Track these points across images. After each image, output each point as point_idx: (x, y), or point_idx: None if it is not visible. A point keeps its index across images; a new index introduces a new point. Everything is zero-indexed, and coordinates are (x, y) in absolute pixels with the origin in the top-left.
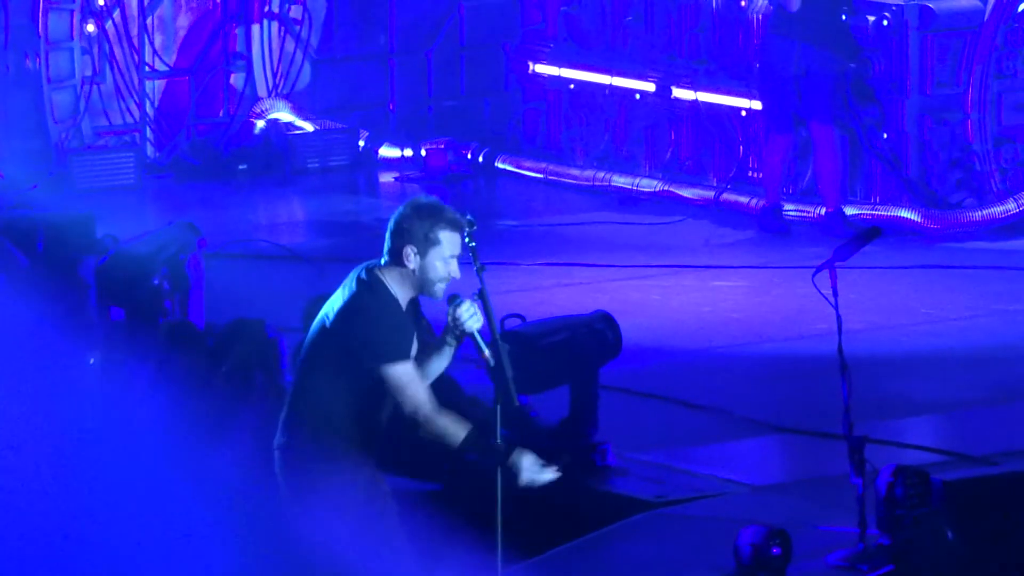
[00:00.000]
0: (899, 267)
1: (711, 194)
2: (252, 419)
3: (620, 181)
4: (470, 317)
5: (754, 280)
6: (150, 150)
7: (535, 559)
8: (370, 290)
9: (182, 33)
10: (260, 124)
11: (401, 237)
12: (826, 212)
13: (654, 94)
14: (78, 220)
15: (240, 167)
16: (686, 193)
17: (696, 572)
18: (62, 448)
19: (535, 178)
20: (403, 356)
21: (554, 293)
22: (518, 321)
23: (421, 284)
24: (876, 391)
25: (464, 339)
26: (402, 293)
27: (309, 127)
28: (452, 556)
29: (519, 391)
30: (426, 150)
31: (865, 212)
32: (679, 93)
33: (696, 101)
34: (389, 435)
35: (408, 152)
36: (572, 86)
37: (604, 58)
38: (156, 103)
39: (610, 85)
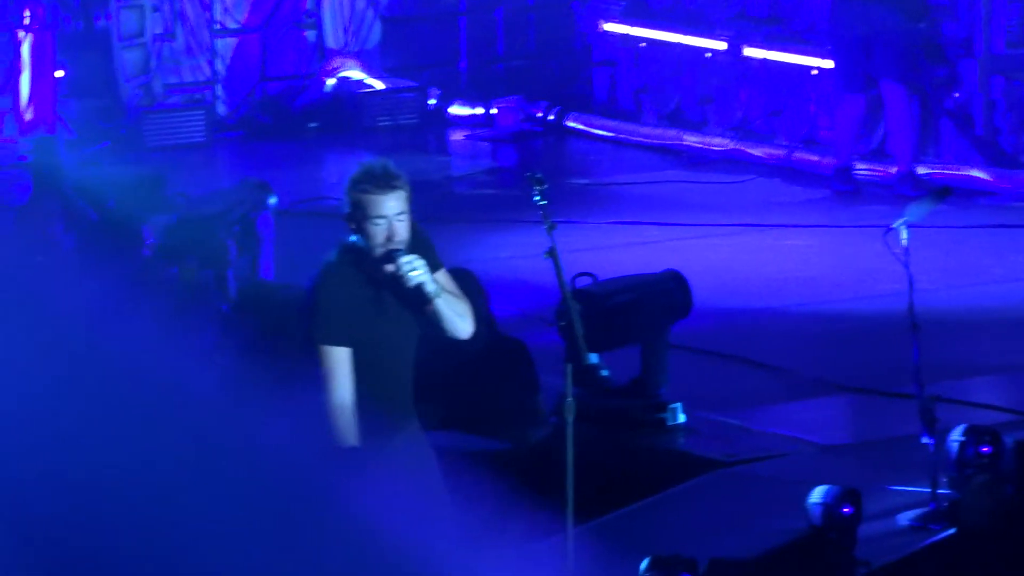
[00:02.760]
0: (970, 226)
1: (782, 153)
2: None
3: (690, 140)
4: (408, 271)
5: (824, 239)
6: (220, 108)
7: (603, 519)
8: (319, 270)
9: None
10: (330, 82)
11: (346, 205)
12: (897, 171)
13: (725, 53)
14: (149, 178)
15: (310, 125)
16: (756, 152)
17: (766, 532)
18: (125, 408)
19: (605, 137)
20: (326, 339)
21: (624, 252)
22: (588, 280)
23: (371, 251)
24: (947, 350)
25: (434, 296)
26: (371, 265)
27: (379, 85)
28: (520, 516)
29: (590, 350)
30: (496, 108)
31: (936, 171)
32: (750, 52)
33: (767, 60)
34: (451, 394)
35: (478, 110)
36: (642, 45)
37: (675, 17)
38: (227, 61)
39: (680, 44)
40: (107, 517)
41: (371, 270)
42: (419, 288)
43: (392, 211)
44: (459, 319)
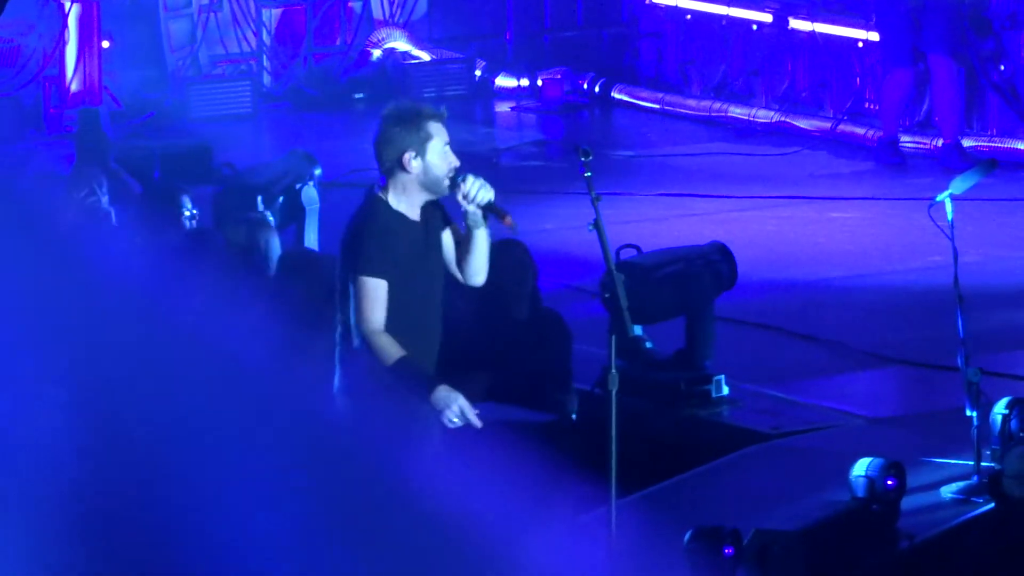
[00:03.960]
0: (1016, 199)
1: (828, 125)
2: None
3: (736, 112)
4: (479, 189)
5: (870, 212)
6: (267, 79)
7: (647, 491)
8: (361, 208)
9: None
10: (377, 53)
11: (395, 147)
12: (943, 144)
13: (771, 25)
14: (195, 149)
15: (356, 96)
16: (802, 124)
17: (811, 504)
18: (175, 376)
19: (651, 109)
20: (373, 271)
21: (669, 224)
22: (633, 252)
23: (430, 185)
24: (992, 323)
25: (488, 216)
26: (409, 204)
27: (425, 56)
28: (565, 488)
29: (634, 322)
30: (542, 80)
31: (982, 144)
32: (796, 24)
33: (813, 32)
34: (494, 366)
35: (524, 82)
36: (689, 16)
37: None
38: (273, 32)
39: (727, 16)
40: (160, 481)
41: (412, 209)
42: (489, 206)
43: (448, 139)
44: (487, 263)
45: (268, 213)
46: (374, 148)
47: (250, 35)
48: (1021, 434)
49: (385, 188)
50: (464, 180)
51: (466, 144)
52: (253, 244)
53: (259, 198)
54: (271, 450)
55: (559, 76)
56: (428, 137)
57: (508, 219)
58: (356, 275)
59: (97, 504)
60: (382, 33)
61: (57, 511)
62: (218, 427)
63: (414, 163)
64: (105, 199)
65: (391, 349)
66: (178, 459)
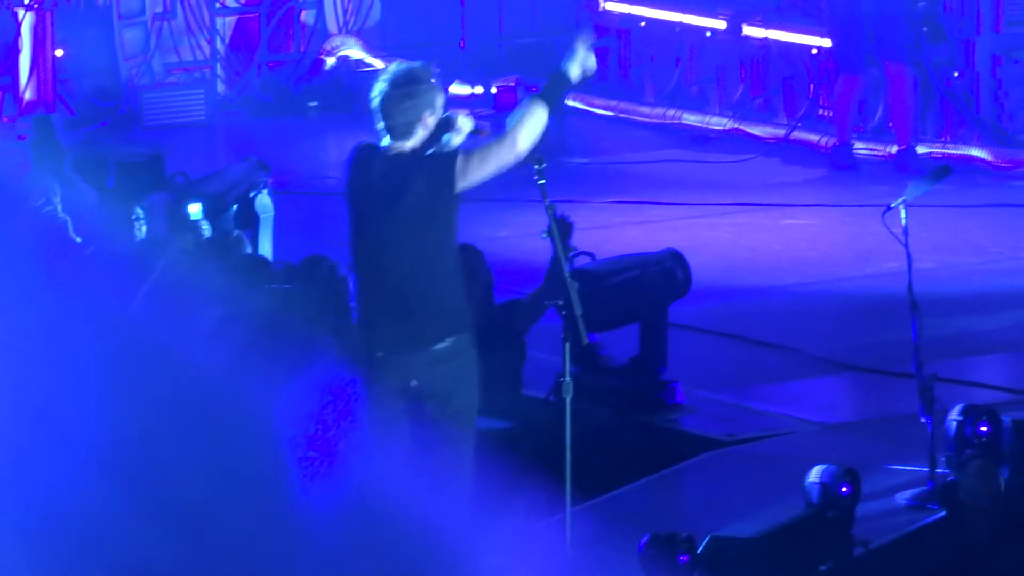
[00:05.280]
0: (970, 206)
1: (781, 132)
2: (323, 357)
3: (690, 119)
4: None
5: (824, 218)
6: (221, 87)
7: (604, 497)
8: (431, 147)
9: None
10: (331, 61)
11: (420, 107)
12: (897, 150)
13: (725, 32)
14: (149, 157)
15: (311, 104)
16: (756, 131)
17: (766, 511)
18: (130, 383)
19: (605, 116)
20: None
21: (624, 231)
22: (587, 259)
23: (434, 141)
24: (946, 330)
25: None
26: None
27: (379, 64)
28: (520, 494)
29: (589, 329)
30: (496, 87)
31: (936, 151)
32: (750, 31)
33: (767, 39)
34: None
35: (479, 89)
36: (642, 23)
37: None
38: (227, 40)
39: (680, 22)
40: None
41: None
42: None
43: None
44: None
45: (204, 223)
46: (385, 108)
47: (204, 43)
48: (975, 440)
49: (396, 145)
50: (454, 120)
51: None
52: (209, 252)
53: (200, 207)
54: (225, 450)
55: (513, 83)
56: (439, 95)
57: (485, 132)
58: (466, 152)
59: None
60: (336, 41)
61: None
62: (171, 432)
63: (430, 120)
64: (60, 207)
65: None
66: (136, 460)
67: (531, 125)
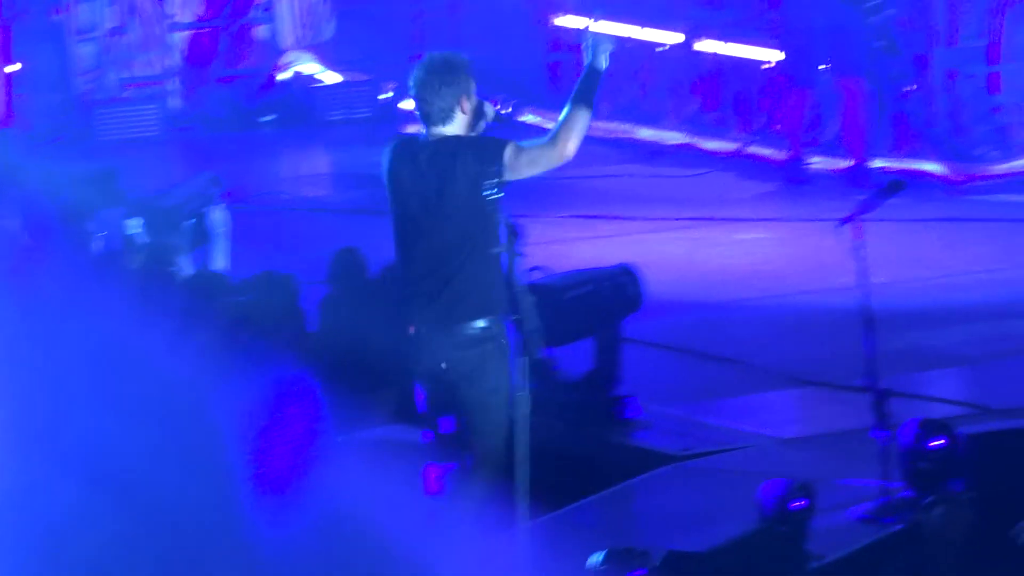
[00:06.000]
0: (924, 220)
1: (736, 146)
2: (274, 371)
3: (645, 133)
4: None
5: (779, 233)
6: (175, 102)
7: (558, 512)
8: (463, 134)
9: None
10: (285, 76)
11: (457, 92)
12: (851, 165)
13: (678, 47)
14: (102, 172)
15: (264, 119)
16: (711, 146)
17: (719, 525)
18: (86, 398)
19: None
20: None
21: (578, 246)
22: (541, 274)
23: (472, 126)
24: (900, 344)
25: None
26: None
27: (333, 79)
28: (475, 508)
29: (543, 344)
30: None
31: (890, 165)
32: (704, 45)
33: (720, 54)
34: (407, 385)
35: None
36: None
37: (629, 10)
38: (181, 55)
39: (632, 38)
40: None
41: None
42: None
43: None
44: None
45: (146, 236)
46: (422, 94)
47: (158, 58)
48: (929, 455)
49: (440, 129)
50: (485, 105)
51: (374, 166)
52: (164, 267)
53: (137, 220)
54: (183, 464)
55: None
56: (473, 82)
57: (506, 110)
58: (513, 147)
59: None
60: (290, 56)
61: None
62: (129, 441)
63: (467, 105)
64: (17, 222)
65: (571, 116)
66: (94, 471)
67: (577, 129)
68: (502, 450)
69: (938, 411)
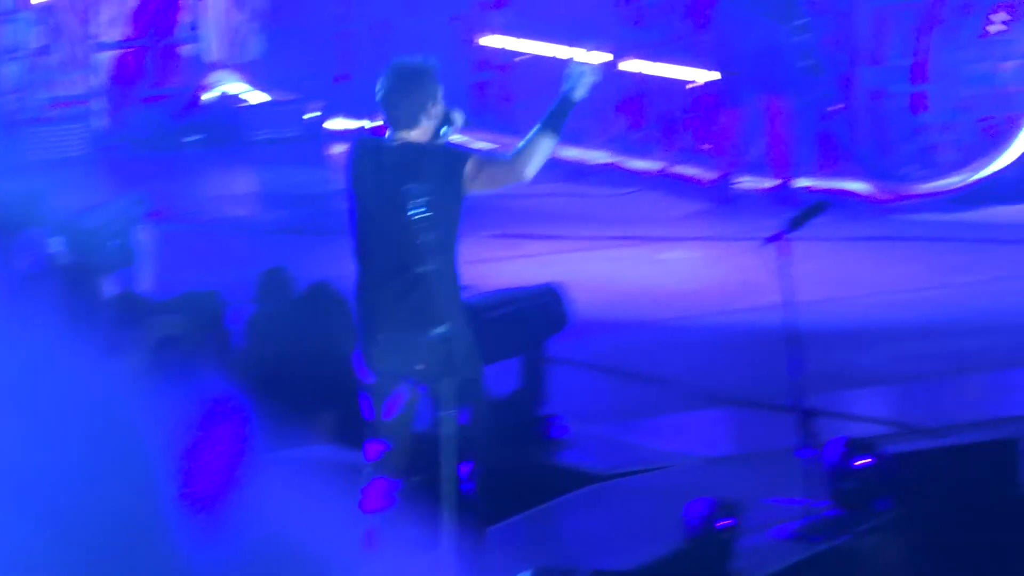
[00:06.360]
0: (849, 239)
1: (662, 166)
2: (202, 390)
3: (570, 153)
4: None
5: (704, 252)
6: (100, 122)
7: (485, 530)
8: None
9: (133, 3)
10: (211, 95)
11: (424, 97)
12: (777, 184)
13: (605, 65)
14: (26, 192)
15: (191, 138)
16: (636, 165)
17: (645, 544)
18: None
19: (487, 150)
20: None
21: (502, 266)
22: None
23: (437, 132)
24: (826, 363)
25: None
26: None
27: (259, 98)
28: (399, 529)
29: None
30: (377, 121)
31: (816, 184)
32: (628, 65)
33: (646, 73)
34: (342, 406)
35: (361, 123)
36: (518, 59)
37: (553, 30)
38: (106, 74)
39: (555, 58)
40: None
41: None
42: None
43: None
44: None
45: (62, 255)
46: (389, 98)
47: (83, 78)
48: (855, 474)
49: (403, 134)
50: (454, 118)
51: (300, 186)
52: (89, 287)
53: (60, 240)
54: (111, 480)
55: None
56: (440, 87)
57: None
58: (473, 158)
59: None
60: (216, 75)
61: None
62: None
63: (434, 110)
64: None
65: (531, 145)
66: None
67: (540, 153)
68: (491, 422)
69: (864, 430)
